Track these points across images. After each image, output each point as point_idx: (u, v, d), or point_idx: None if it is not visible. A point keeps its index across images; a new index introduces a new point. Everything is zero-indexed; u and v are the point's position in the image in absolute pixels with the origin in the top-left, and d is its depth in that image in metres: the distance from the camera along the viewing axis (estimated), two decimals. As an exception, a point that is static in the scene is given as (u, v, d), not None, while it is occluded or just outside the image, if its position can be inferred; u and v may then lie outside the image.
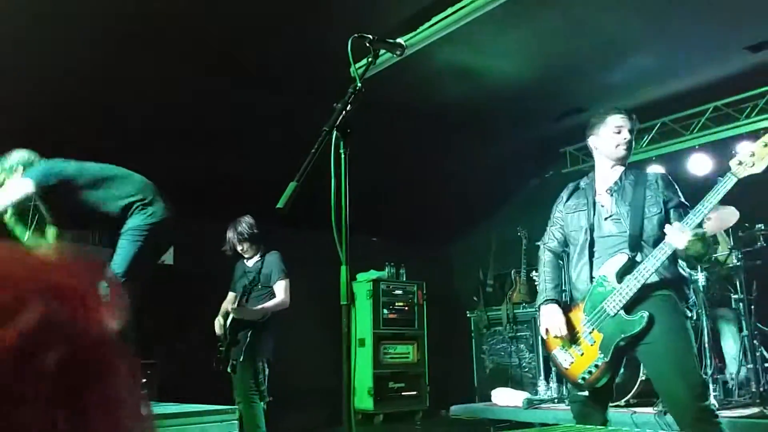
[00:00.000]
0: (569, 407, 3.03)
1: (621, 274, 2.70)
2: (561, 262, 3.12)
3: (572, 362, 2.83)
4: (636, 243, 2.74)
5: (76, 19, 4.09)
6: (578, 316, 2.85)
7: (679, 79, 5.85)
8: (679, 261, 2.78)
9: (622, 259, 2.72)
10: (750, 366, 4.68)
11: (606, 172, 2.96)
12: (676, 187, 2.89)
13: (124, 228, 3.54)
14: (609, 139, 2.90)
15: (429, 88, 5.70)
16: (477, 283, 7.60)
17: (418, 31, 4.55)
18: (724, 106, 6.17)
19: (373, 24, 4.45)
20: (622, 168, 2.95)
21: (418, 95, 5.77)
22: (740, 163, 2.48)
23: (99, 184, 3.58)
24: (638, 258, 2.71)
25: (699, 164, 6.27)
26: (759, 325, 4.92)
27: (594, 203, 2.92)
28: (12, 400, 0.41)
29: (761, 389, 4.56)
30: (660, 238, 2.71)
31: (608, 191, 2.91)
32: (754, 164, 2.46)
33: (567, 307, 2.93)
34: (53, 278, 0.47)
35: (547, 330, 2.90)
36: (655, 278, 2.66)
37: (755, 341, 4.74)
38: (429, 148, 6.75)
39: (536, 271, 6.30)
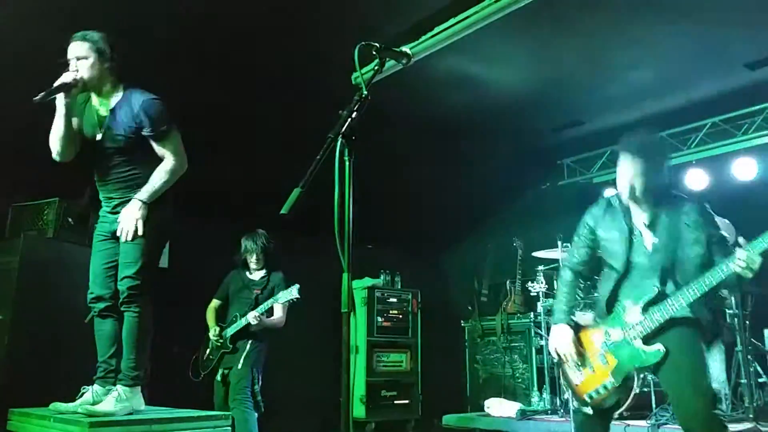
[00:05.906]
0: (571, 418, 3.04)
1: (647, 305, 2.71)
2: (580, 282, 3.08)
3: (582, 380, 2.85)
4: (665, 277, 2.72)
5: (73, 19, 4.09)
6: (593, 335, 2.86)
7: (678, 95, 5.87)
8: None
9: (651, 290, 2.71)
10: (744, 381, 4.68)
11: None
12: (715, 218, 2.82)
13: None
14: (619, 174, 2.83)
15: (428, 96, 5.70)
16: (472, 292, 7.58)
17: (421, 40, 4.55)
18: (722, 122, 6.20)
19: (377, 32, 4.46)
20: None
21: (417, 104, 5.76)
22: None
23: None
24: (666, 291, 2.70)
25: (695, 179, 6.31)
26: (753, 340, 4.92)
27: (631, 230, 2.81)
28: None
29: (755, 404, 4.56)
30: (696, 278, 2.64)
31: (646, 222, 2.80)
32: None
33: (581, 326, 2.94)
34: None
35: (556, 350, 2.92)
36: (680, 312, 2.63)
37: (749, 356, 4.74)
38: (426, 156, 6.74)
39: (531, 282, 6.36)
